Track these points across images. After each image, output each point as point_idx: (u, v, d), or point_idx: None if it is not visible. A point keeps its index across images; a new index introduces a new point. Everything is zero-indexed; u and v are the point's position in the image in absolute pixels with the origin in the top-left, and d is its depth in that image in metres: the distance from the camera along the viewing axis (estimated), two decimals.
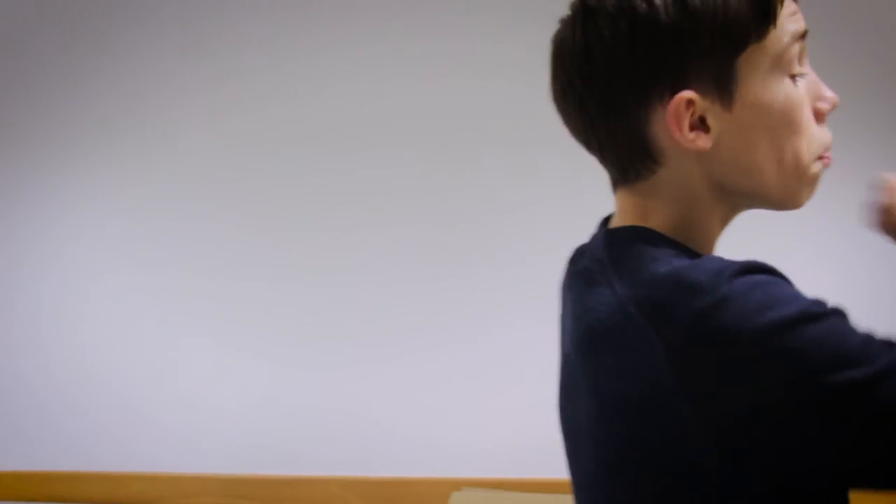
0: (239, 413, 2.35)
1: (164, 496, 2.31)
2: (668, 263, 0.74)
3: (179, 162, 2.38)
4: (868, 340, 0.67)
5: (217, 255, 2.36)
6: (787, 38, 0.77)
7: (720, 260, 0.72)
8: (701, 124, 0.77)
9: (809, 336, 0.66)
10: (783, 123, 0.77)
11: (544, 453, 2.12)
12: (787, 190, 0.81)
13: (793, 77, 0.78)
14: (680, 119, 0.76)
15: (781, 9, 0.76)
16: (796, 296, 0.69)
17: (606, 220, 0.90)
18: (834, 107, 0.80)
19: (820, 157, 0.80)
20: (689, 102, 0.76)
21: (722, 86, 0.76)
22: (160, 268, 2.37)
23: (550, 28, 0.86)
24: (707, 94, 0.76)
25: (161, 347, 2.38)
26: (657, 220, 0.82)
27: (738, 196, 0.82)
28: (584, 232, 0.94)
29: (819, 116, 0.80)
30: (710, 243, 0.85)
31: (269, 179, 2.36)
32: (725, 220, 0.85)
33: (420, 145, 2.33)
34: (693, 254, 0.78)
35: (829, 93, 0.81)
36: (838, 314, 0.69)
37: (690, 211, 0.82)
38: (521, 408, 2.23)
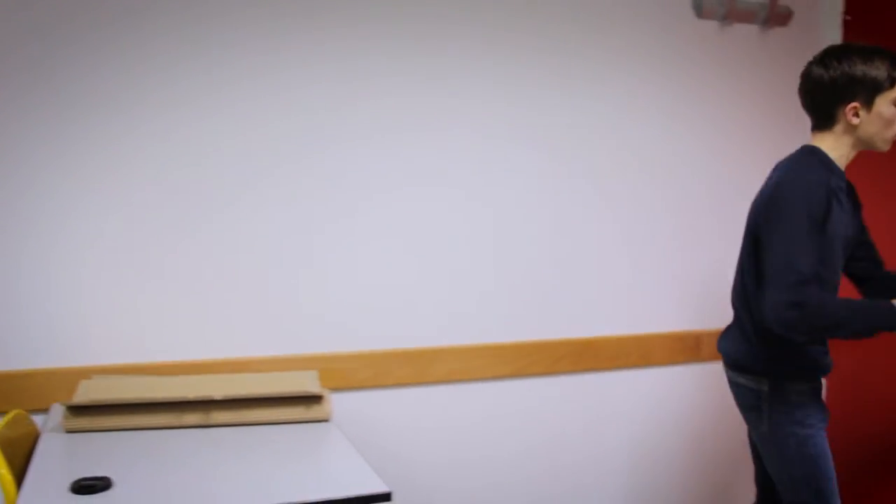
0: None
1: None
2: (807, 166, 2.08)
3: None
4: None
5: None
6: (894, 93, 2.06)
7: (818, 172, 2.06)
8: (856, 115, 2.09)
9: None
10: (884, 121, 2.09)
11: (163, 338, 2.41)
12: (881, 143, 2.12)
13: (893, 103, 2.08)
14: (854, 112, 2.09)
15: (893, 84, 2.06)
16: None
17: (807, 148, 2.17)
18: None
19: None
20: (855, 107, 2.09)
21: (869, 102, 2.09)
22: None
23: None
24: (862, 104, 2.09)
25: None
26: (827, 147, 2.15)
27: (863, 143, 2.13)
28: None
29: None
30: (840, 161, 2.13)
31: None
32: (851, 155, 2.15)
33: None
34: (829, 164, 2.10)
35: None
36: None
37: (842, 146, 2.14)
38: (144, 295, 2.31)
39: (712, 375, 3.09)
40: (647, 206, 2.91)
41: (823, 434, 2.16)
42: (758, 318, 2.17)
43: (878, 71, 2.07)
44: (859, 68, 2.07)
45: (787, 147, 3.12)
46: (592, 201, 2.83)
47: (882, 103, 2.09)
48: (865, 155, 2.54)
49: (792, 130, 3.13)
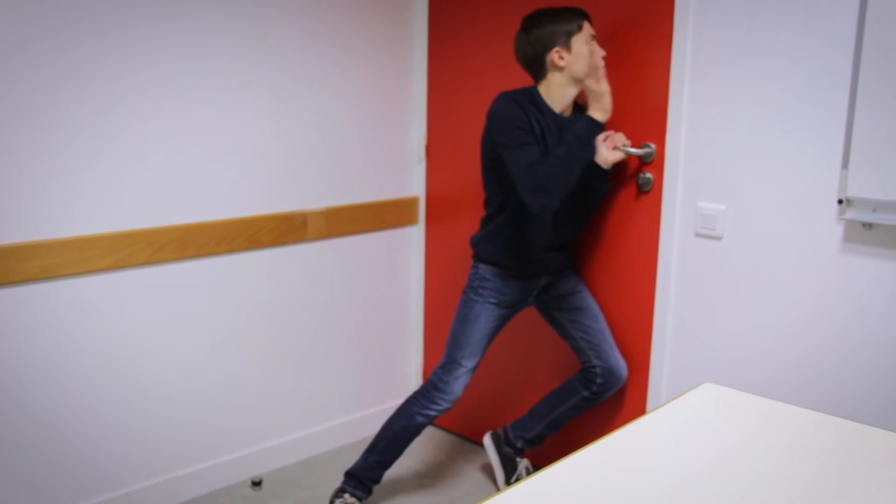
0: None
1: None
2: (510, 95, 2.57)
3: None
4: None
5: None
6: (584, 32, 2.52)
7: (510, 94, 2.58)
8: (560, 58, 2.52)
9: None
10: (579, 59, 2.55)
11: None
12: (589, 80, 2.55)
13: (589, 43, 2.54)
14: (558, 55, 2.53)
15: (582, 28, 2.53)
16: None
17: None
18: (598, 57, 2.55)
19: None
20: (557, 51, 2.53)
21: (568, 46, 2.52)
22: None
23: None
24: (562, 49, 2.52)
25: None
26: (543, 92, 2.60)
27: (577, 83, 2.56)
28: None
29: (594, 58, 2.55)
30: (559, 100, 2.58)
31: None
32: (571, 94, 2.59)
33: None
34: (535, 96, 2.58)
35: (598, 51, 2.55)
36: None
37: (552, 87, 2.58)
38: None
39: (319, 252, 3.21)
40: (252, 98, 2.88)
41: (489, 307, 2.68)
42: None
43: (569, 23, 2.51)
44: (550, 26, 2.51)
45: (393, 60, 3.23)
46: (214, 89, 2.74)
47: (578, 43, 2.51)
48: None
49: (394, 57, 3.27)
